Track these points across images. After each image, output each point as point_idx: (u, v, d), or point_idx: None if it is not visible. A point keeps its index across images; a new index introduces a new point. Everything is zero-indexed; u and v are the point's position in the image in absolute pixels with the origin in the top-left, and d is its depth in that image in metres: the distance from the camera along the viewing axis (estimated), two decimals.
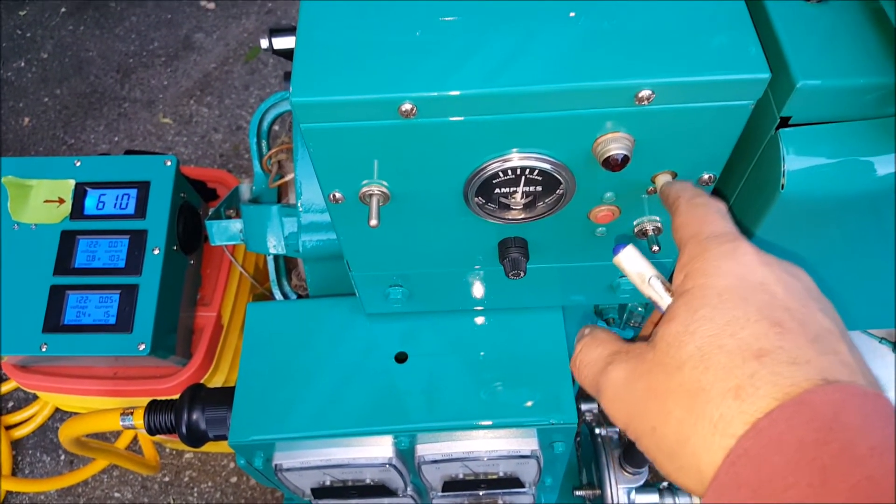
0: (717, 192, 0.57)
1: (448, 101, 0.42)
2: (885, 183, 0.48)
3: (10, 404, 1.62)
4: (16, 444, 1.58)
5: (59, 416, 1.60)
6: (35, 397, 1.59)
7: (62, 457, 1.59)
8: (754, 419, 0.29)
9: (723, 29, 0.43)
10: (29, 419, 1.55)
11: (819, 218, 0.50)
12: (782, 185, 0.46)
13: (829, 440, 0.26)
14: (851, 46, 0.45)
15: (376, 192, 0.49)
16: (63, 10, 2.36)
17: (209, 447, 1.49)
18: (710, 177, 0.49)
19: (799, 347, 0.31)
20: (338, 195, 0.50)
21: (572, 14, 0.45)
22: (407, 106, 0.42)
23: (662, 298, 0.40)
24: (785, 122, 0.46)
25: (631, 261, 0.43)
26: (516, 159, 0.47)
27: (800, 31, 0.45)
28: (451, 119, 0.44)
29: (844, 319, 0.65)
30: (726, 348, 0.32)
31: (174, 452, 1.57)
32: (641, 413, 0.35)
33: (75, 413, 1.23)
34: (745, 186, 0.52)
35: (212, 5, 2.31)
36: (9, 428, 1.55)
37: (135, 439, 1.52)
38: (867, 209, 0.50)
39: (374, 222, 0.48)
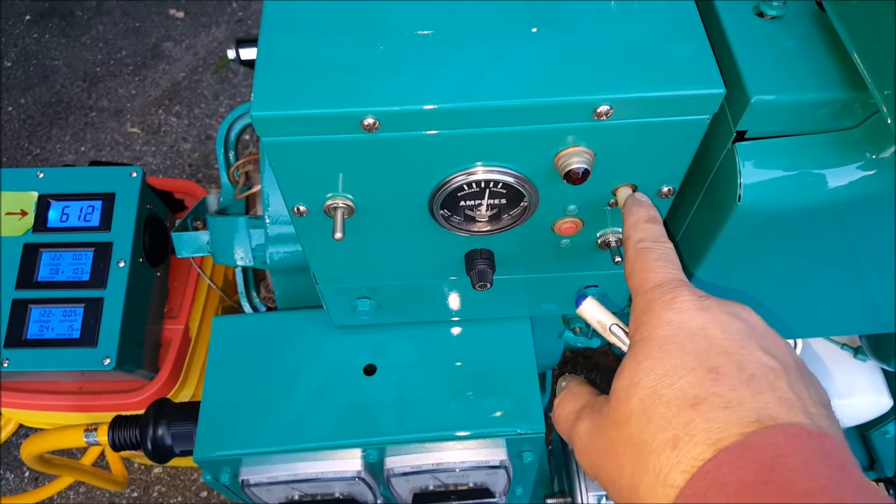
0: (676, 207, 0.58)
1: (411, 115, 0.42)
2: (840, 195, 0.49)
3: None
4: None
5: (24, 432, 1.56)
6: None
7: (27, 474, 1.55)
8: (691, 468, 0.30)
9: (679, 45, 0.44)
10: None
11: (776, 230, 0.52)
12: (739, 198, 0.47)
13: (767, 481, 0.27)
14: (805, 62, 0.46)
15: (341, 205, 0.49)
16: (27, 17, 2.32)
17: (178, 461, 1.46)
18: (669, 189, 0.50)
19: (733, 390, 0.32)
20: (302, 208, 0.50)
21: (534, 30, 0.46)
22: (369, 120, 0.42)
23: (625, 344, 0.42)
24: (741, 136, 0.47)
25: (591, 311, 0.45)
26: (480, 173, 0.47)
27: (754, 48, 0.46)
28: (415, 133, 0.44)
29: (804, 328, 0.66)
30: (665, 398, 0.33)
31: (142, 467, 1.54)
32: (601, 466, 0.36)
33: (40, 429, 1.20)
34: (703, 199, 0.53)
35: (181, 14, 2.29)
36: None
37: (102, 454, 1.48)
38: (823, 220, 0.52)
39: (338, 235, 0.48)
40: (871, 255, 0.57)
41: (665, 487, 0.30)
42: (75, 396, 1.03)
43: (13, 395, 1.02)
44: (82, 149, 1.98)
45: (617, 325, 0.44)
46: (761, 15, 0.48)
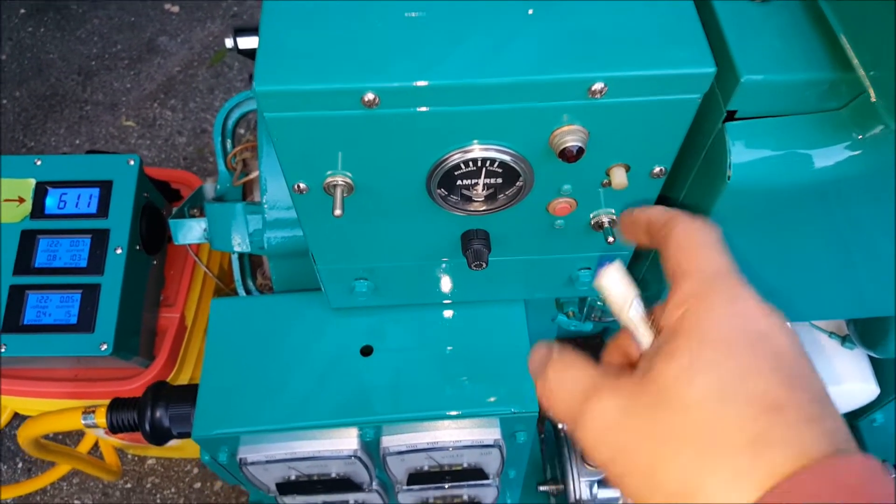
0: (668, 187, 0.59)
1: (410, 91, 0.43)
2: (828, 174, 0.50)
3: None
4: None
5: (16, 422, 1.56)
6: None
7: (19, 465, 1.55)
8: (774, 475, 0.28)
9: (672, 26, 0.45)
10: None
11: (766, 208, 0.53)
12: (728, 177, 0.49)
13: None
14: (793, 43, 0.48)
15: (340, 182, 0.50)
16: (22, 11, 2.32)
17: (172, 452, 1.47)
18: (661, 170, 0.51)
19: (811, 404, 0.31)
20: (302, 186, 0.51)
21: (530, 11, 0.47)
22: (369, 96, 0.43)
23: (642, 329, 0.38)
24: (731, 116, 0.48)
25: (614, 282, 0.39)
26: (477, 151, 0.48)
27: (744, 29, 0.48)
28: (412, 110, 0.45)
29: (792, 311, 0.67)
30: (739, 398, 0.31)
31: (136, 458, 1.55)
32: (634, 451, 0.33)
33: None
34: (695, 179, 0.54)
35: (176, 8, 2.29)
36: None
37: (95, 445, 1.49)
38: (812, 200, 0.53)
39: (338, 212, 0.49)
40: (859, 237, 0.59)
41: (742, 492, 0.29)
42: (71, 384, 1.03)
43: (9, 382, 1.02)
44: (77, 142, 1.98)
45: (639, 299, 0.39)
46: None
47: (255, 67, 0.43)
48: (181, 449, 1.39)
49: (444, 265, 0.64)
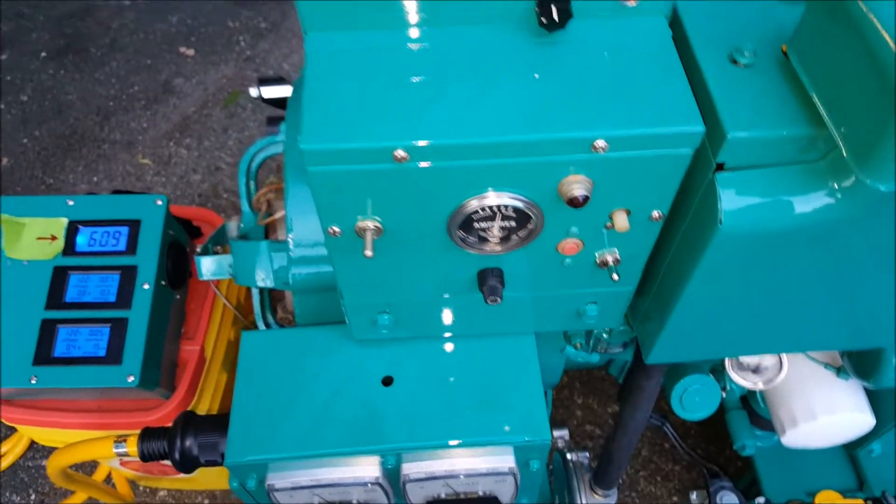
0: (665, 231, 0.64)
1: (435, 148, 0.49)
2: (809, 219, 0.56)
3: None
4: None
5: (31, 454, 1.60)
6: (7, 435, 1.58)
7: (32, 496, 1.57)
8: None
9: (665, 89, 0.51)
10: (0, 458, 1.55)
11: (754, 250, 0.58)
12: (720, 221, 0.54)
13: None
14: (773, 103, 0.54)
15: (371, 226, 0.56)
16: (43, 54, 2.41)
17: (183, 483, 1.50)
18: (659, 214, 0.57)
19: None
20: (336, 229, 0.56)
21: (536, 76, 0.53)
22: (400, 153, 0.49)
23: None
24: (720, 168, 0.54)
25: None
26: (493, 198, 0.54)
27: (730, 90, 0.54)
28: (437, 163, 0.51)
29: (787, 343, 0.71)
30: None
31: (147, 490, 1.57)
32: None
33: (55, 448, 1.23)
34: (689, 224, 0.60)
35: (191, 52, 2.38)
36: None
37: (108, 477, 1.51)
38: (796, 242, 0.58)
39: (368, 253, 0.54)
40: (844, 274, 0.64)
41: None
42: (95, 414, 1.07)
43: (34, 413, 1.06)
44: (95, 179, 2.05)
45: None
46: (735, 62, 0.55)
47: (302, 128, 0.49)
48: (193, 480, 1.41)
49: (461, 300, 0.69)
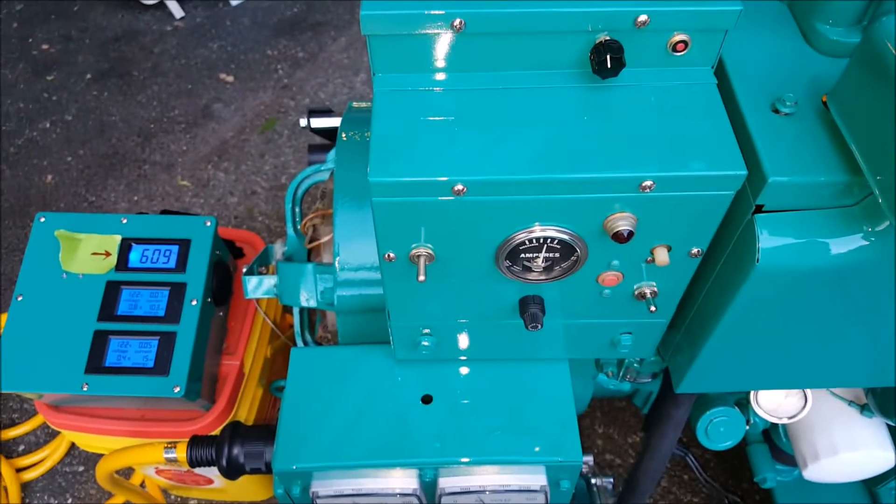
0: (703, 267, 0.68)
1: (493, 184, 0.53)
2: (843, 260, 0.59)
3: (21, 447, 1.66)
4: (24, 487, 1.61)
5: (68, 460, 1.64)
6: (46, 441, 1.63)
7: (69, 501, 1.61)
8: None
9: (710, 134, 0.55)
10: (39, 462, 1.59)
11: (788, 288, 0.61)
12: (757, 259, 0.57)
13: None
14: (812, 150, 0.57)
15: (424, 253, 0.60)
16: (88, 76, 2.51)
17: (214, 494, 1.53)
18: (697, 251, 0.60)
19: None
20: (391, 255, 0.60)
21: (585, 118, 0.57)
22: (459, 186, 0.53)
23: None
24: (759, 209, 0.57)
25: None
26: (540, 231, 0.58)
27: (771, 137, 0.57)
28: (492, 197, 0.55)
29: (813, 379, 0.74)
30: None
31: (179, 499, 1.60)
32: None
33: (99, 454, 1.27)
34: (727, 260, 0.63)
35: (230, 78, 2.46)
36: (19, 470, 1.58)
37: (141, 484, 1.55)
38: (829, 282, 0.61)
39: (421, 278, 0.58)
40: (872, 315, 0.66)
41: None
42: (138, 423, 1.11)
43: (80, 419, 1.11)
44: (135, 198, 2.12)
45: None
46: (776, 111, 0.59)
47: (370, 163, 0.53)
48: (223, 491, 1.45)
49: (501, 325, 0.72)
